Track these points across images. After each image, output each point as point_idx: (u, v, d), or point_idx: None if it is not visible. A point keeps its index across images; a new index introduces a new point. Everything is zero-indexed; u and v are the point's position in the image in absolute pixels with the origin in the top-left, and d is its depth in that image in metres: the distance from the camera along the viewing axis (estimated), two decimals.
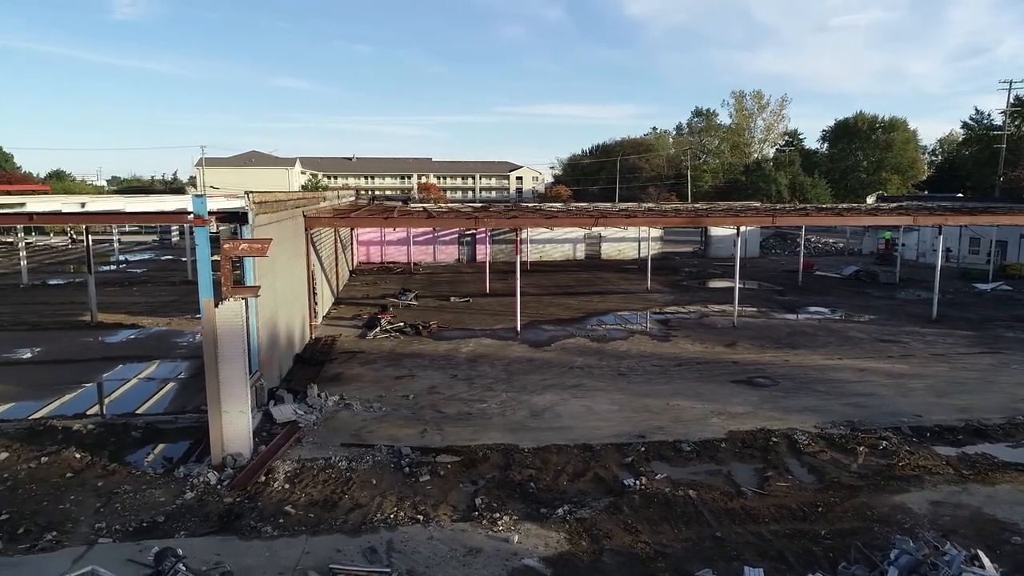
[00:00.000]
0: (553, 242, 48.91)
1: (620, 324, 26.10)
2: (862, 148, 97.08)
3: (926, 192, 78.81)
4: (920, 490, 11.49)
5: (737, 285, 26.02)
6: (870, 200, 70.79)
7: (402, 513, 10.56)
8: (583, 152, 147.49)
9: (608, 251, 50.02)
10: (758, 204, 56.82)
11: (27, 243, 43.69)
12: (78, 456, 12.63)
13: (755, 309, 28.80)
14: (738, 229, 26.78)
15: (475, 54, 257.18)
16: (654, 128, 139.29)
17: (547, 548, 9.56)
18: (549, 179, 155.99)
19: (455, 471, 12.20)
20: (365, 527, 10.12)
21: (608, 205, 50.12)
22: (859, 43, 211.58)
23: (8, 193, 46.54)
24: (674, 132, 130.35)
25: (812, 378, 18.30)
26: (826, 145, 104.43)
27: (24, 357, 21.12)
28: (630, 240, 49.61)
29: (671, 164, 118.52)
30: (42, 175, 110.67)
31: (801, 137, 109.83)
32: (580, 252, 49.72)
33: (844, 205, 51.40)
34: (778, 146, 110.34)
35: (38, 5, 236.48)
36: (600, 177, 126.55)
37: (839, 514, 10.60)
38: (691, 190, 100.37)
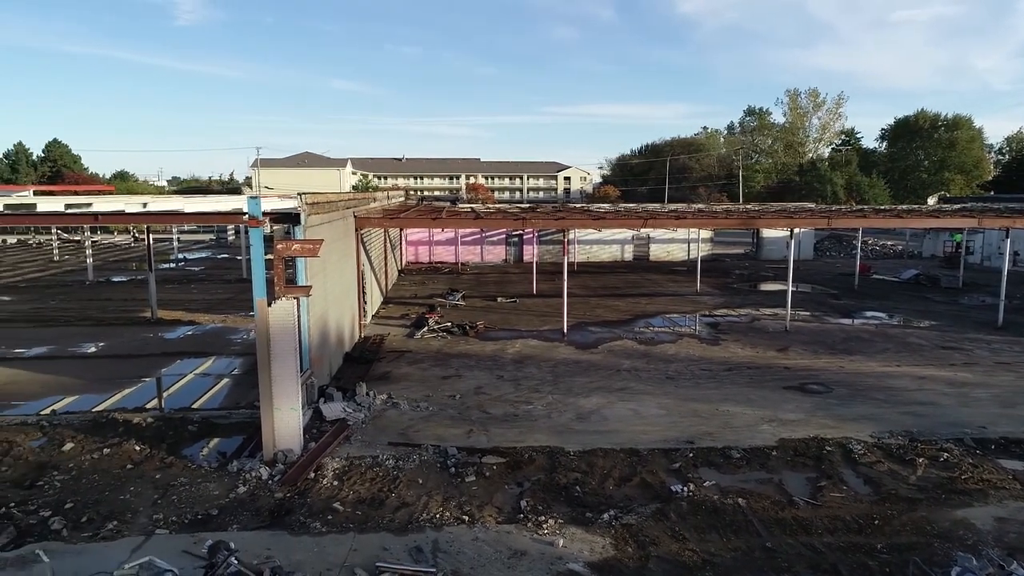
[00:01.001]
0: (601, 243, 48.59)
1: (668, 327, 25.76)
2: (923, 147, 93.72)
3: (992, 193, 75.50)
4: (984, 505, 11.01)
5: (790, 288, 25.41)
6: (931, 201, 68.25)
7: (448, 513, 10.62)
8: (632, 152, 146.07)
9: (656, 252, 49.44)
10: (812, 205, 55.40)
11: (93, 241, 45.52)
12: (138, 448, 13.07)
13: (808, 313, 28.08)
14: (791, 231, 26.14)
15: (524, 55, 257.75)
16: (705, 127, 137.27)
17: (592, 553, 9.49)
18: (597, 179, 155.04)
19: (500, 472, 12.21)
20: (411, 526, 10.20)
21: (657, 206, 49.55)
22: (921, 38, 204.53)
23: (76, 193, 48.55)
24: (725, 131, 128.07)
25: (868, 385, 17.74)
26: (885, 144, 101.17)
27: (89, 351, 21.98)
28: (679, 241, 48.94)
29: (722, 164, 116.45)
30: (107, 176, 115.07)
31: (858, 136, 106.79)
32: (628, 253, 49.27)
33: (904, 206, 49.70)
34: (834, 145, 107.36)
35: (109, 14, 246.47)
36: (649, 177, 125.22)
37: (897, 528, 10.23)
38: (742, 190, 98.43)
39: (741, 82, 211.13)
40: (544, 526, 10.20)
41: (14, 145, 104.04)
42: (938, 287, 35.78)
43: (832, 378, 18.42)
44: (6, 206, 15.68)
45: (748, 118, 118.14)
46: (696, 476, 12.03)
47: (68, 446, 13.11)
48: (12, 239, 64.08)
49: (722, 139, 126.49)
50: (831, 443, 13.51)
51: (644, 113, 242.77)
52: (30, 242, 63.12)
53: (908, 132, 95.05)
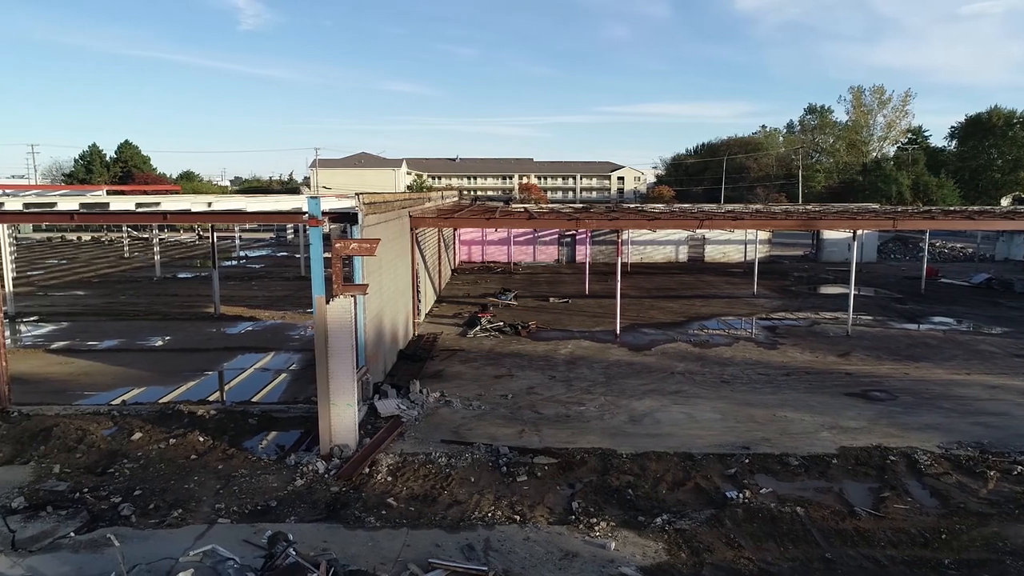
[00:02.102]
0: (655, 244, 48.02)
1: (724, 329, 25.29)
2: (996, 146, 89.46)
3: None
4: None
5: (852, 291, 24.63)
6: (1005, 202, 65.18)
7: (499, 512, 10.66)
8: (687, 152, 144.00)
9: (712, 254, 48.58)
10: (876, 206, 53.55)
11: (160, 239, 47.34)
12: (201, 439, 13.52)
13: (871, 317, 27.17)
14: (854, 233, 25.34)
15: (579, 54, 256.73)
16: (763, 126, 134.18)
17: (644, 557, 9.39)
18: (651, 179, 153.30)
19: (552, 473, 12.19)
20: (463, 524, 10.28)
21: (713, 206, 48.66)
22: (995, 32, 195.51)
23: (145, 193, 50.52)
24: (784, 130, 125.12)
25: (935, 394, 17.06)
26: (955, 143, 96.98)
27: (156, 345, 22.87)
28: (735, 242, 47.98)
29: (781, 164, 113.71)
30: (174, 176, 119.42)
31: (926, 134, 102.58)
32: (682, 254, 48.55)
33: (975, 207, 47.59)
34: (900, 144, 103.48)
35: (178, 20, 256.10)
36: (705, 177, 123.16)
37: (965, 543, 9.81)
38: (802, 191, 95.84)
39: (801, 79, 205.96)
40: (596, 528, 10.15)
41: (89, 146, 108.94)
42: (1012, 292, 34.15)
43: (896, 385, 17.78)
44: (82, 204, 16.40)
45: (809, 116, 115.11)
46: (752, 483, 11.78)
47: (137, 435, 13.66)
48: (86, 236, 67.16)
49: (781, 138, 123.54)
50: (895, 452, 13.05)
51: (700, 112, 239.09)
52: (103, 239, 66.04)
53: (980, 130, 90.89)
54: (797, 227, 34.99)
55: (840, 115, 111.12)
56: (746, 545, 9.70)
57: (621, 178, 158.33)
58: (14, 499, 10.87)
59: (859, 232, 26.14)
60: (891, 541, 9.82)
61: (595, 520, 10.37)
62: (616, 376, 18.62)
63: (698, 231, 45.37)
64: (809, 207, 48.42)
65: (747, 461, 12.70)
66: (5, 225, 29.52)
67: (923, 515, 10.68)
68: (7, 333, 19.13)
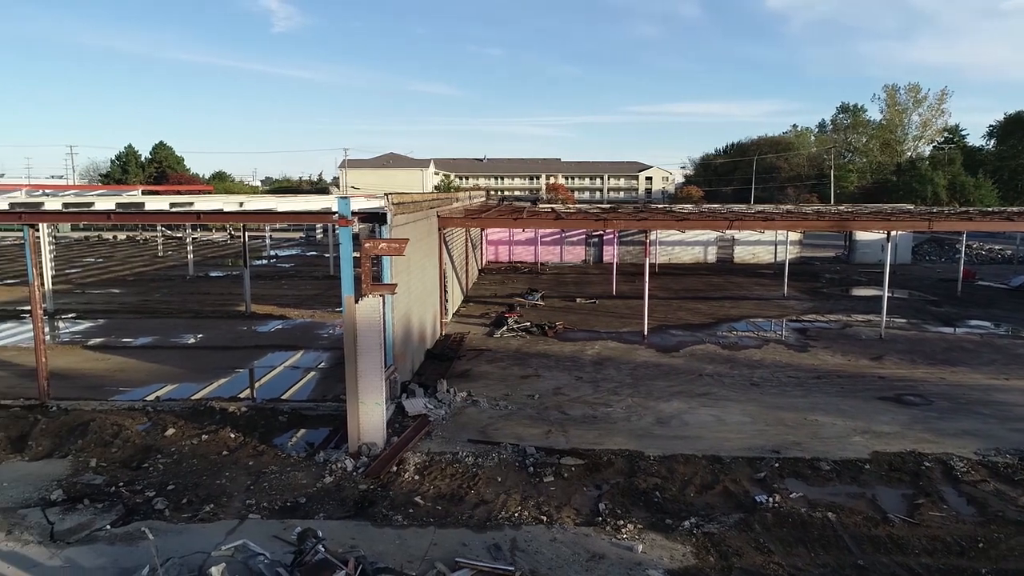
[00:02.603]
0: (683, 244, 47.64)
1: (753, 331, 24.99)
2: None
3: None
4: None
5: (885, 293, 24.18)
6: None
7: (526, 512, 10.66)
8: (716, 151, 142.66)
9: (741, 254, 48.05)
10: (911, 207, 52.52)
11: (193, 238, 48.19)
12: (232, 436, 13.73)
13: (905, 320, 26.65)
14: (888, 234, 24.88)
15: (607, 54, 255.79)
16: (794, 126, 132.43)
17: (672, 560, 9.31)
18: (680, 179, 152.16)
19: (579, 474, 12.16)
20: (490, 524, 10.30)
21: (743, 207, 48.08)
22: None
23: (179, 193, 51.46)
24: (816, 129, 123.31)
25: (973, 399, 16.68)
26: (993, 142, 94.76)
27: (188, 342, 23.28)
28: (765, 243, 47.39)
29: (812, 163, 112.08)
30: (206, 176, 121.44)
31: (963, 133, 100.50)
32: (711, 255, 48.10)
33: (1014, 208, 46.41)
34: (935, 143, 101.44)
35: (212, 23, 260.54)
36: (734, 177, 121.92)
37: (1004, 552, 9.57)
38: (834, 191, 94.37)
39: (834, 78, 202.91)
40: (623, 530, 10.09)
41: (125, 147, 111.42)
42: None
43: (932, 390, 17.42)
44: (118, 204, 16.76)
45: (841, 115, 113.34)
46: (782, 487, 11.62)
47: (170, 431, 13.91)
48: (122, 236, 68.60)
49: (813, 137, 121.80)
50: (930, 459, 12.78)
51: (729, 111, 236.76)
52: (137, 238, 67.40)
53: (1020, 129, 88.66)
54: (829, 228, 34.43)
55: (874, 114, 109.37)
56: (776, 550, 9.57)
57: (649, 178, 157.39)
58: (53, 492, 11.14)
59: (893, 233, 25.65)
60: (926, 549, 9.62)
61: (622, 522, 10.32)
62: (643, 377, 18.51)
63: (727, 232, 44.90)
64: (841, 208, 47.65)
65: (777, 465, 12.54)
66: (45, 224, 30.25)
67: (959, 523, 10.45)
68: (46, 330, 19.62)
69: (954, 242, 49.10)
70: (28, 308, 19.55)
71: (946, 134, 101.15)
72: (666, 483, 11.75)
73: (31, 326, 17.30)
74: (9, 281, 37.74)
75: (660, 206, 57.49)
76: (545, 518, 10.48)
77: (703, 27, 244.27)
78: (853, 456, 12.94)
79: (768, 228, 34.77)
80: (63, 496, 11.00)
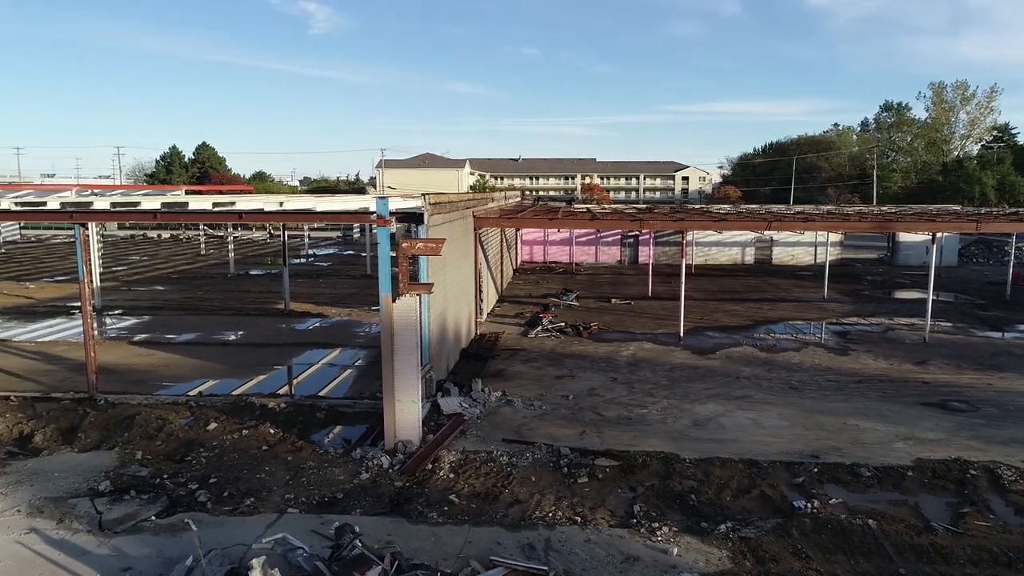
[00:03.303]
0: (720, 245, 47.05)
1: (792, 334, 24.59)
2: None
3: None
4: None
5: (930, 296, 23.57)
6: None
7: (560, 513, 10.67)
8: (755, 151, 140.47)
9: (780, 256, 47.28)
10: (958, 208, 51.03)
11: (234, 237, 49.17)
12: (272, 431, 14.00)
13: (951, 324, 25.95)
14: (933, 235, 24.25)
15: (644, 53, 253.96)
16: (835, 124, 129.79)
17: (708, 564, 9.24)
18: (717, 179, 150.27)
19: (613, 475, 12.12)
20: (524, 523, 10.33)
21: (782, 207, 47.24)
22: None
23: (220, 192, 52.52)
24: (858, 128, 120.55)
25: (1021, 406, 16.18)
26: None
27: (229, 339, 23.77)
28: (805, 244, 46.55)
29: (854, 163, 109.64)
30: (247, 176, 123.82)
31: (1013, 132, 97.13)
32: (749, 256, 47.42)
33: None
34: (984, 142, 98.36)
35: (254, 26, 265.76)
36: (773, 177, 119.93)
37: None
38: (877, 191, 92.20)
39: (878, 75, 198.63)
40: (658, 533, 10.04)
41: (169, 148, 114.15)
42: None
43: (978, 396, 16.95)
44: (163, 204, 17.22)
45: (885, 114, 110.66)
46: (821, 493, 11.44)
47: (212, 425, 14.24)
48: (166, 234, 70.33)
49: (855, 136, 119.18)
50: (976, 467, 12.44)
51: (769, 110, 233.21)
52: (180, 237, 69.01)
53: None
54: (872, 230, 33.70)
55: (919, 112, 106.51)
56: (814, 557, 9.43)
57: (686, 178, 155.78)
58: (101, 482, 11.50)
59: (938, 235, 25.01)
60: (971, 559, 9.38)
61: (657, 524, 10.26)
62: (679, 379, 18.36)
63: (766, 233, 44.23)
64: (884, 208, 46.54)
65: (816, 470, 12.34)
66: (94, 223, 31.17)
67: (1006, 533, 10.16)
68: (95, 326, 20.23)
69: (1003, 244, 47.60)
70: (78, 304, 20.21)
71: (995, 133, 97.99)
72: (702, 486, 11.65)
73: (80, 322, 17.87)
74: (59, 278, 38.99)
75: (697, 206, 56.89)
76: (579, 519, 10.48)
77: (743, 24, 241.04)
78: (895, 463, 12.67)
79: (808, 229, 34.13)
80: (110, 487, 11.35)
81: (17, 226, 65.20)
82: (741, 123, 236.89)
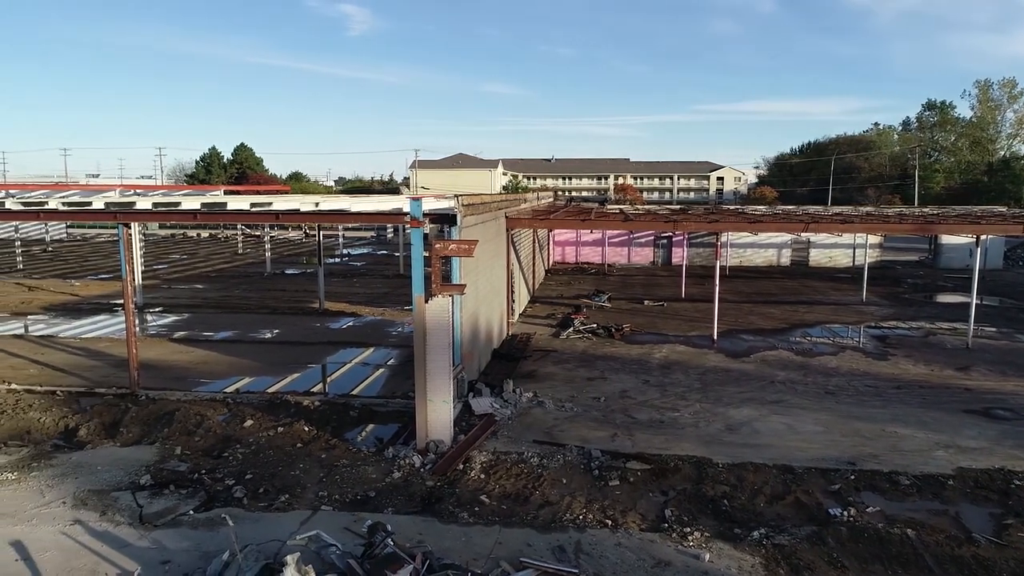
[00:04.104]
0: (755, 246, 46.42)
1: (829, 338, 24.15)
2: None
3: None
4: None
5: (974, 300, 22.95)
6: None
7: (591, 515, 10.64)
8: (792, 151, 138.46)
9: (817, 257, 46.46)
10: (1003, 209, 49.61)
11: (271, 236, 49.98)
12: (306, 429, 14.21)
13: (995, 329, 25.23)
14: (977, 238, 23.62)
15: (679, 51, 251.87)
16: (876, 124, 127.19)
17: (740, 571, 9.13)
18: (753, 180, 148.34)
19: (645, 479, 12.05)
20: (554, 525, 10.33)
21: (819, 208, 46.45)
22: None
23: (258, 193, 53.44)
24: (900, 128, 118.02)
25: None
26: None
27: (265, 337, 24.19)
28: (843, 246, 45.67)
29: (895, 163, 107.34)
30: (284, 176, 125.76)
31: None
32: (785, 258, 46.70)
33: None
34: None
35: (292, 29, 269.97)
36: (810, 178, 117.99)
37: None
38: (918, 192, 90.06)
39: (920, 73, 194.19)
40: (689, 538, 9.95)
41: (209, 149, 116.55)
42: None
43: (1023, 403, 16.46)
44: (203, 204, 17.59)
45: (927, 112, 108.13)
46: (858, 500, 11.22)
47: (248, 422, 14.51)
48: (205, 233, 71.79)
49: (896, 136, 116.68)
50: (1020, 476, 12.09)
51: (806, 109, 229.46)
52: (219, 236, 70.38)
53: None
54: (913, 231, 32.93)
55: (963, 111, 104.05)
56: (850, 566, 9.26)
57: (720, 178, 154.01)
58: (142, 476, 11.80)
59: (983, 237, 24.34)
60: (1015, 572, 9.12)
61: (689, 529, 10.18)
62: (712, 383, 18.16)
63: (802, 234, 43.50)
64: (926, 210, 45.46)
65: (852, 477, 12.11)
66: (137, 223, 31.96)
67: None
68: (136, 323, 20.74)
69: None
70: (120, 302, 20.75)
71: None
72: (735, 491, 11.52)
73: (123, 319, 18.34)
74: (103, 276, 40.05)
75: (731, 207, 56.18)
76: (610, 522, 10.44)
77: (780, 22, 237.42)
78: (935, 471, 12.38)
79: (846, 231, 33.52)
80: (151, 481, 11.63)
81: (64, 225, 67.11)
82: (778, 122, 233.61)
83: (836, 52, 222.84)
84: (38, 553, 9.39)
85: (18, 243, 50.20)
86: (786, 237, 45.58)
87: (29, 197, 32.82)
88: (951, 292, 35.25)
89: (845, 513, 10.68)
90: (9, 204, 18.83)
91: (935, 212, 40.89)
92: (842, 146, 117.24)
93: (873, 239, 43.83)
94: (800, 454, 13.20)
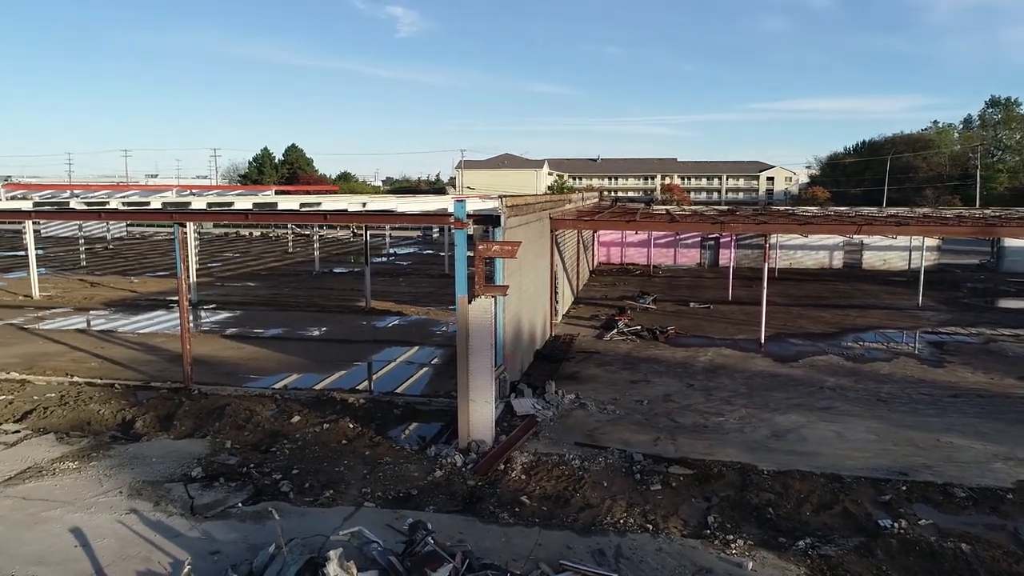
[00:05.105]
0: (806, 249, 45.37)
1: (882, 343, 23.46)
2: None
3: None
4: None
5: None
6: None
7: (631, 520, 10.57)
8: (845, 150, 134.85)
9: (871, 260, 45.17)
10: None
11: (319, 236, 50.95)
12: (351, 426, 14.45)
13: None
14: None
15: (728, 49, 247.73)
16: (935, 122, 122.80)
17: None
18: (804, 180, 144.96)
19: (687, 484, 11.91)
20: (595, 528, 10.29)
21: (873, 210, 45.12)
22: None
23: (308, 193, 54.48)
24: (960, 126, 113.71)
25: None
26: None
27: (313, 334, 24.68)
28: (898, 249, 44.29)
29: (955, 163, 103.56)
30: (333, 176, 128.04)
31: None
32: (837, 260, 45.53)
33: None
34: None
35: (342, 31, 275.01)
36: (865, 178, 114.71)
37: None
38: (980, 193, 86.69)
39: (983, 69, 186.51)
40: (732, 546, 9.80)
41: (261, 150, 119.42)
42: None
43: None
44: (255, 204, 18.04)
45: (991, 110, 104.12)
46: (909, 512, 10.88)
47: (295, 418, 14.83)
48: (256, 232, 73.59)
49: (956, 134, 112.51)
50: None
51: (861, 107, 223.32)
52: (270, 235, 72.06)
53: None
54: (974, 234, 31.79)
55: None
56: None
57: (771, 178, 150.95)
58: (193, 468, 12.18)
59: None
60: None
61: (731, 537, 10.02)
62: (759, 388, 17.83)
63: (855, 236, 42.34)
64: (987, 212, 43.74)
65: (904, 488, 11.75)
66: (192, 222, 32.95)
67: None
68: (190, 319, 21.41)
69: None
70: (175, 298, 21.44)
71: None
72: (780, 499, 11.29)
73: (178, 315, 18.95)
74: (160, 273, 41.43)
75: (781, 208, 55.02)
76: (651, 527, 10.36)
77: (833, 17, 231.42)
78: (993, 484, 11.92)
79: (902, 233, 32.48)
80: (202, 473, 12.00)
81: (124, 224, 69.61)
82: (831, 121, 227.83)
83: (893, 48, 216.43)
84: (96, 540, 9.79)
85: (82, 241, 52.35)
86: (838, 239, 44.42)
87: (92, 197, 34.15)
88: (1014, 297, 33.88)
89: (895, 525, 10.36)
90: (74, 204, 19.67)
91: (997, 214, 39.31)
92: (898, 145, 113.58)
93: (930, 242, 42.40)
94: (849, 463, 12.86)
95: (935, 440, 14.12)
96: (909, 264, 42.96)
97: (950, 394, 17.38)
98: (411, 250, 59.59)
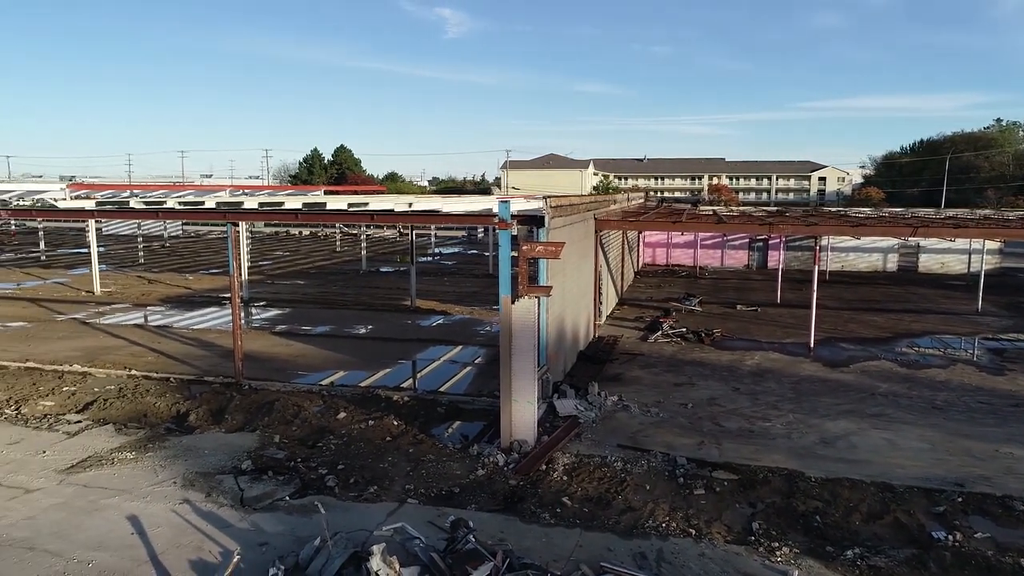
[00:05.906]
0: (858, 251, 44.17)
1: (938, 349, 22.70)
2: None
3: None
4: None
5: None
6: None
7: (674, 524, 10.48)
8: (901, 150, 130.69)
9: (927, 263, 43.72)
10: None
11: (366, 235, 51.75)
12: (395, 423, 14.66)
13: None
14: None
15: (779, 47, 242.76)
16: (998, 120, 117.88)
17: None
18: (858, 180, 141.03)
19: (731, 489, 11.74)
20: (636, 531, 10.24)
21: (930, 211, 43.73)
22: None
23: (356, 193, 55.41)
24: None
25: None
26: None
27: (360, 332, 25.09)
28: (956, 251, 42.74)
29: (1019, 163, 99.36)
30: (380, 176, 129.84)
31: None
32: (891, 263, 44.20)
33: None
34: None
35: (391, 33, 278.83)
36: (922, 178, 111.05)
37: None
38: None
39: None
40: (777, 553, 9.64)
41: (311, 151, 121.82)
42: None
43: None
44: (304, 204, 18.47)
45: None
46: (965, 524, 10.52)
47: (341, 415, 15.12)
48: (306, 231, 75.13)
49: (1021, 133, 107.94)
50: None
51: (918, 105, 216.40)
52: (319, 234, 73.47)
53: None
54: None
55: None
56: None
57: (822, 179, 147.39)
58: (243, 461, 12.53)
59: None
60: None
61: (777, 544, 9.85)
62: (807, 393, 17.46)
63: (911, 239, 41.03)
64: None
65: (960, 500, 11.36)
66: (244, 221, 33.84)
67: None
68: (242, 316, 21.99)
69: None
70: (228, 295, 22.05)
71: None
72: (828, 508, 11.04)
73: (230, 312, 19.49)
74: (214, 271, 42.64)
75: (833, 209, 53.65)
76: (693, 531, 10.25)
77: (889, 12, 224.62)
78: None
79: (961, 236, 31.30)
80: (251, 466, 12.33)
81: (180, 222, 71.85)
82: (886, 119, 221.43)
83: (952, 44, 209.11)
84: (151, 528, 10.16)
85: (140, 239, 54.21)
86: (892, 241, 43.10)
87: (150, 197, 35.36)
88: None
89: (950, 537, 10.04)
90: (133, 203, 20.43)
91: None
92: (958, 144, 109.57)
93: (991, 244, 40.79)
94: (901, 472, 12.50)
95: (994, 451, 13.61)
96: (968, 268, 41.43)
97: (1011, 403, 16.73)
98: (456, 250, 60.01)
